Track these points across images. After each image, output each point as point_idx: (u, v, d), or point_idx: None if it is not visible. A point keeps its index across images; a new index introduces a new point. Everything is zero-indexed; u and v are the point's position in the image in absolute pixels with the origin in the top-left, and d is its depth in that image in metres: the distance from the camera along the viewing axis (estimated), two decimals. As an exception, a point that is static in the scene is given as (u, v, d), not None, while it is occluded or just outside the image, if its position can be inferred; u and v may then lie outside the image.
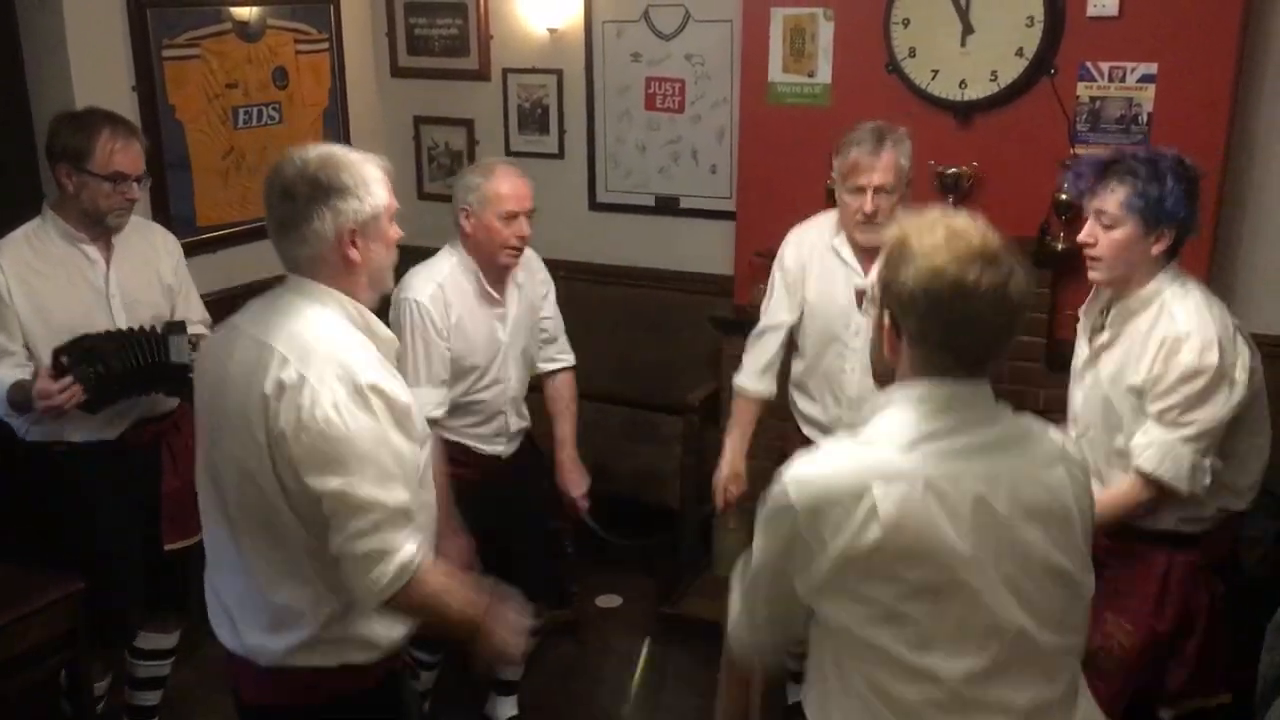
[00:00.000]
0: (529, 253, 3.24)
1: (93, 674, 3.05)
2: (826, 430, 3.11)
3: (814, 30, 3.99)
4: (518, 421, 3.33)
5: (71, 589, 2.84)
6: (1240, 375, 2.40)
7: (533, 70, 4.68)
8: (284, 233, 2.04)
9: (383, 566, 1.93)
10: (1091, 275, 2.56)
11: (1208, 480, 2.46)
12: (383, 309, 2.16)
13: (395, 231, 2.14)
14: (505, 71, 4.73)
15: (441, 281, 3.08)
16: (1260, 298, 3.75)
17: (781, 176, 4.11)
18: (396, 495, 1.95)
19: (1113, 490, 2.50)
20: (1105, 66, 3.63)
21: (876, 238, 2.86)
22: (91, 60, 3.73)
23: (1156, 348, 2.40)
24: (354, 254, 2.03)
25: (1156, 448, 2.41)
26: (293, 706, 2.14)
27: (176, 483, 3.12)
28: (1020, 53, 3.69)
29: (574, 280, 4.30)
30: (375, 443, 1.93)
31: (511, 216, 3.06)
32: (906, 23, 3.82)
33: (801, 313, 3.22)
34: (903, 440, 1.61)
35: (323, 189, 2.00)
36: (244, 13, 4.24)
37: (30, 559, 2.93)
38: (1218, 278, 3.74)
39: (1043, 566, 1.62)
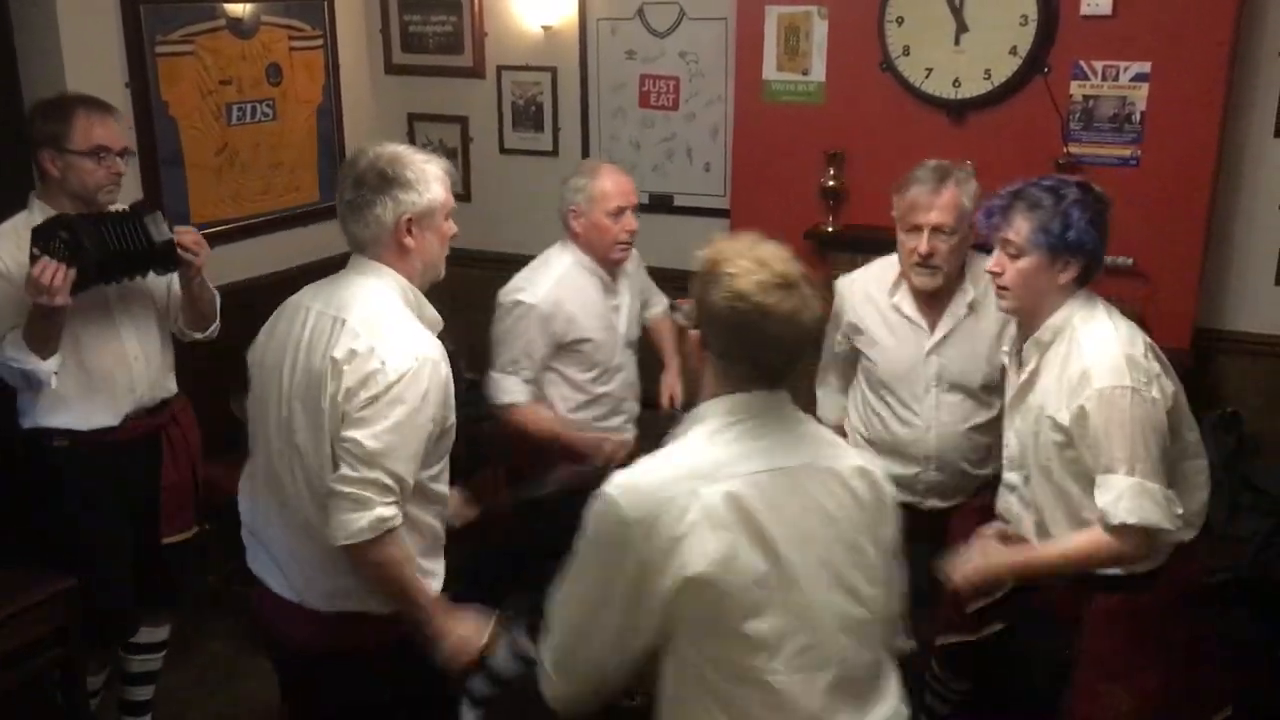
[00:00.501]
0: None
1: (86, 670, 3.05)
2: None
3: (808, 28, 4.00)
4: (635, 407, 3.43)
5: (63, 586, 2.84)
6: (1155, 393, 2.31)
7: (527, 67, 4.68)
8: (352, 215, 2.30)
9: (361, 513, 2.12)
10: (1000, 305, 2.57)
11: (1179, 508, 2.35)
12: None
13: (450, 227, 2.37)
14: (500, 69, 4.73)
15: (558, 279, 3.20)
16: (1253, 297, 3.76)
17: (776, 174, 4.12)
18: (405, 467, 2.16)
19: (1081, 543, 2.36)
20: (1099, 65, 3.64)
21: (933, 282, 2.88)
22: (85, 57, 3.72)
23: (1070, 387, 2.33)
24: (409, 241, 2.28)
25: (1128, 497, 2.27)
26: (341, 651, 2.27)
27: (175, 476, 3.12)
28: (1014, 51, 3.69)
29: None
30: (411, 414, 2.15)
31: (619, 212, 3.19)
32: (900, 21, 3.83)
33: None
34: (715, 448, 1.72)
35: (388, 180, 2.25)
36: (238, 9, 4.24)
37: (25, 558, 2.93)
38: (1210, 277, 3.75)
39: (837, 573, 1.73)
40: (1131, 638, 2.42)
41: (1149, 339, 2.42)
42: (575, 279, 3.23)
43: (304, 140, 4.63)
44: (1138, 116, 3.62)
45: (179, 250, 2.84)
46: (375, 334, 2.17)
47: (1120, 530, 2.27)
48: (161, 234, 2.81)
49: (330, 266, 5.25)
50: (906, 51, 3.85)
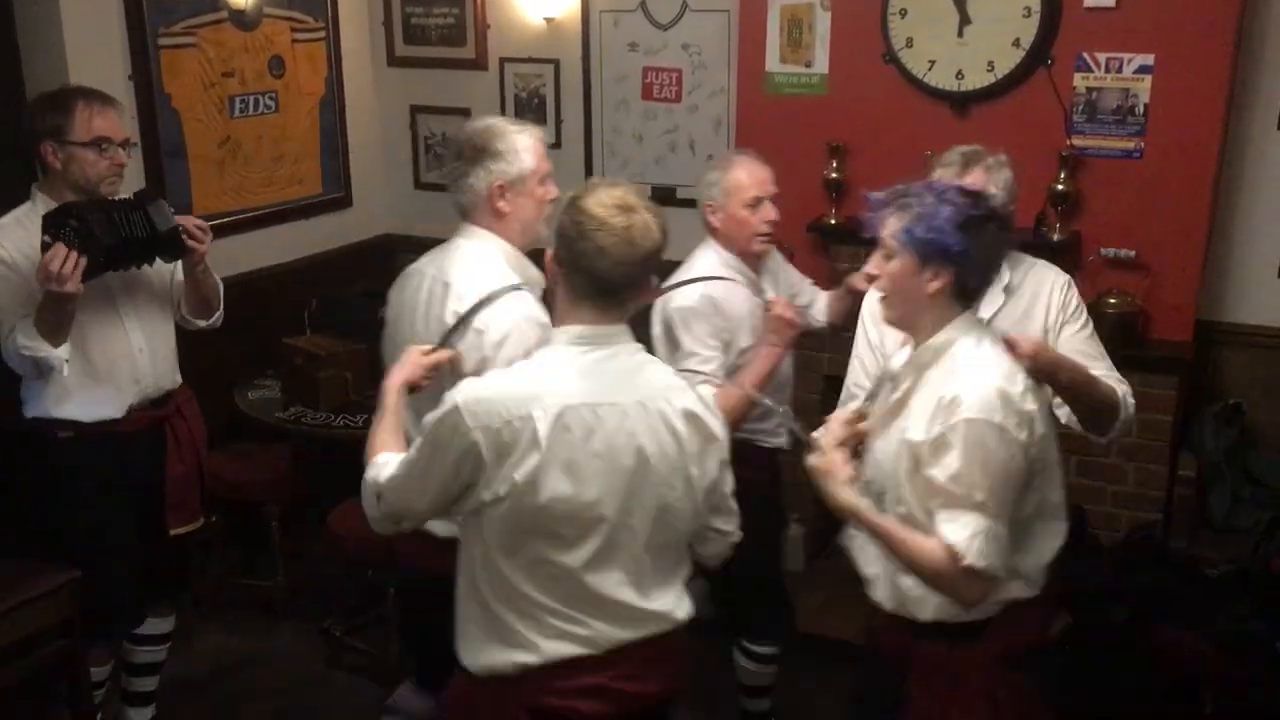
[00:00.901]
0: None
1: (89, 662, 3.06)
2: None
3: (811, 20, 3.99)
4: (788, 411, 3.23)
5: (66, 579, 2.85)
6: (1024, 437, 2.08)
7: (530, 60, 4.67)
8: (453, 184, 2.52)
9: None
10: (883, 315, 2.33)
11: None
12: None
13: (547, 191, 2.53)
14: (502, 61, 4.73)
15: (706, 285, 2.99)
16: (1255, 290, 3.76)
17: (778, 166, 4.08)
18: None
19: (928, 554, 2.05)
20: (1102, 57, 3.63)
21: None
22: (87, 49, 3.72)
23: (936, 410, 2.11)
24: (503, 205, 2.49)
25: (983, 539, 2.02)
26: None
27: (180, 468, 3.13)
28: (1017, 43, 3.69)
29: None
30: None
31: (756, 203, 3.06)
32: (904, 13, 3.82)
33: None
34: (562, 368, 1.98)
35: (480, 151, 2.47)
36: (240, 1, 4.24)
37: (29, 550, 2.93)
38: (1212, 269, 3.75)
39: (641, 501, 1.99)
40: (954, 691, 2.22)
41: (1032, 383, 2.18)
42: (722, 288, 3.01)
43: (306, 132, 4.63)
44: (1141, 109, 3.61)
45: (184, 238, 2.85)
46: (475, 299, 2.36)
47: (968, 572, 2.02)
48: (167, 221, 2.81)
49: (333, 258, 5.31)
50: (909, 43, 3.84)
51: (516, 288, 2.41)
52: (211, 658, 3.84)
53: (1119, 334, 3.64)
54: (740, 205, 3.05)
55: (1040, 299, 2.65)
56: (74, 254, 2.62)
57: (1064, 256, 3.73)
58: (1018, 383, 2.10)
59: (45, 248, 2.63)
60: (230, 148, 4.30)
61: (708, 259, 3.09)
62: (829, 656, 3.46)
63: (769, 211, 3.08)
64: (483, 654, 2.04)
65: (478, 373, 2.27)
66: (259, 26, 4.33)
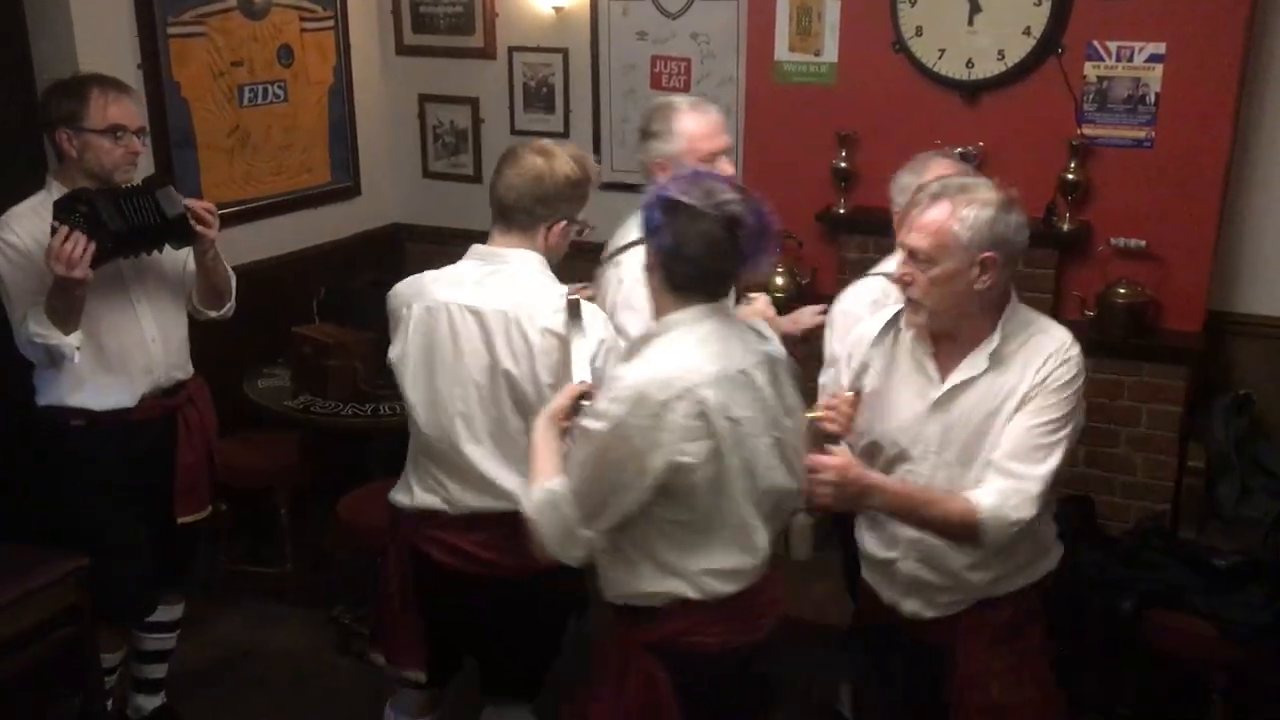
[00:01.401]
0: None
1: (99, 649, 3.07)
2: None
3: (820, 9, 3.98)
4: None
5: (75, 565, 2.86)
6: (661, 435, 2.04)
7: (538, 49, 4.67)
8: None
9: None
10: None
11: None
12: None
13: (722, 168, 2.63)
14: (511, 50, 4.72)
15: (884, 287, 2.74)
16: (1266, 280, 3.75)
17: (788, 156, 4.11)
18: None
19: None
20: (1113, 46, 3.62)
21: (915, 319, 2.26)
22: (97, 38, 3.72)
23: None
24: (662, 177, 2.51)
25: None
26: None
27: (191, 457, 3.13)
28: (1028, 32, 3.68)
29: (581, 260, 4.29)
30: None
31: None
32: (914, 1, 3.81)
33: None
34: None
35: (642, 131, 2.77)
36: (249, -10, 4.24)
37: (39, 537, 2.94)
38: (1223, 259, 3.74)
39: None
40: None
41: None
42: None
43: (315, 122, 4.63)
44: (1152, 98, 3.60)
45: (192, 223, 2.85)
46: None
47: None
48: (175, 207, 2.82)
49: (342, 247, 5.31)
50: (919, 32, 3.83)
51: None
52: (220, 645, 3.86)
53: (1129, 324, 3.64)
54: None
55: (1027, 371, 2.20)
56: (83, 239, 2.63)
57: (1074, 246, 3.73)
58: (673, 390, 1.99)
59: (55, 233, 2.64)
60: (239, 137, 4.30)
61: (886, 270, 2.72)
62: (837, 645, 3.46)
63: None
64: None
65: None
66: (268, 15, 4.33)
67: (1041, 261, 3.70)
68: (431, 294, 2.47)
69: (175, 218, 2.81)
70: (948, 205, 2.15)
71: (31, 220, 2.83)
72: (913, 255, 2.19)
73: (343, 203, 4.80)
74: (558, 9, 4.56)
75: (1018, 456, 2.16)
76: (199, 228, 2.87)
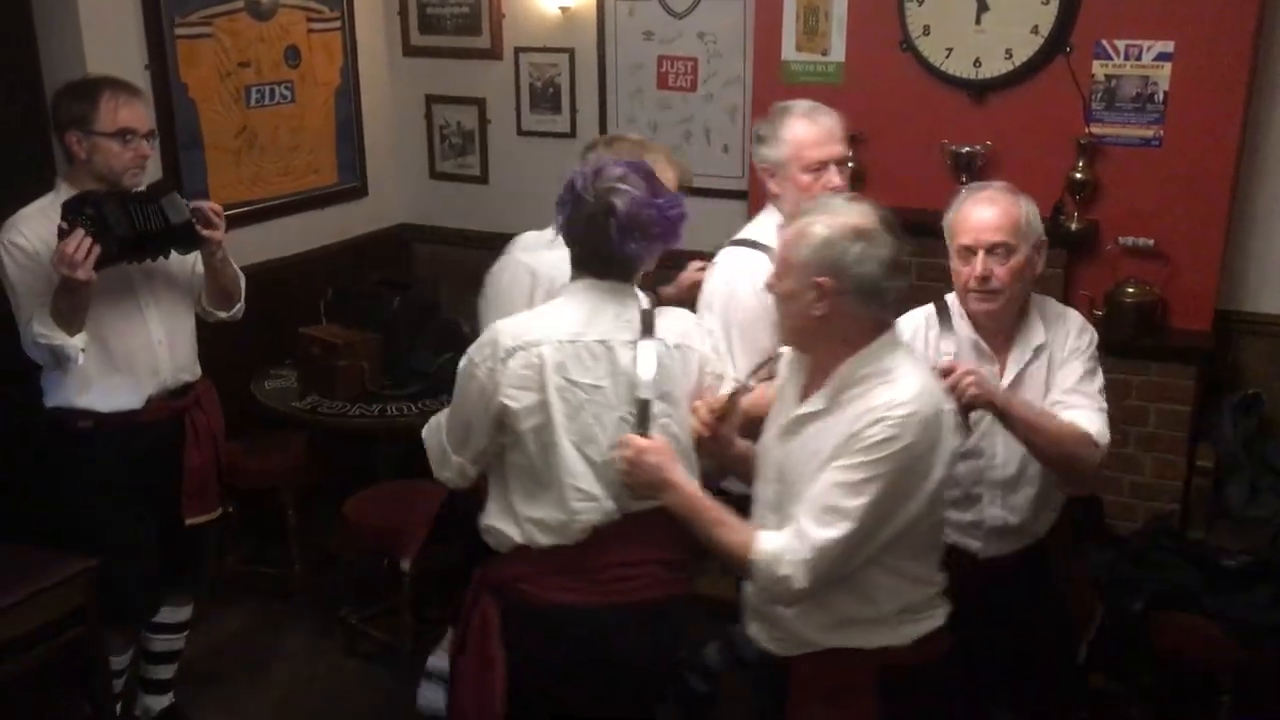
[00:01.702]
0: None
1: (106, 650, 3.07)
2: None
3: (827, 8, 3.97)
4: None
5: (83, 566, 2.87)
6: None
7: (545, 49, 4.67)
8: None
9: None
10: None
11: None
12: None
13: (829, 180, 2.66)
14: (517, 50, 4.72)
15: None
16: (1275, 279, 3.73)
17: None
18: None
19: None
20: (1121, 44, 3.61)
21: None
22: (104, 39, 3.73)
23: None
24: (774, 187, 2.73)
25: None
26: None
27: (199, 459, 3.13)
28: (1036, 30, 3.66)
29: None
30: None
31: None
32: (921, 0, 3.80)
33: None
34: None
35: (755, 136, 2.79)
36: (256, -9, 4.24)
37: (46, 538, 2.95)
38: (1232, 258, 3.72)
39: None
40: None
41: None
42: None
43: (322, 122, 4.63)
44: (1160, 96, 3.58)
45: (199, 228, 2.86)
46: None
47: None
48: (180, 214, 2.82)
49: (349, 248, 5.31)
50: (927, 31, 3.82)
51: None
52: (227, 645, 3.86)
53: (1137, 323, 3.63)
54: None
55: (854, 423, 2.04)
56: (88, 240, 2.63)
57: (1082, 245, 3.72)
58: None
59: (62, 234, 2.65)
60: (246, 138, 4.31)
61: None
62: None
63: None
64: None
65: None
66: (275, 16, 4.34)
67: (1049, 261, 3.61)
68: None
69: (180, 224, 2.82)
70: (800, 222, 2.08)
71: (39, 222, 2.84)
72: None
73: (349, 203, 4.80)
74: (564, 9, 4.56)
75: (809, 512, 1.97)
76: (205, 231, 2.87)
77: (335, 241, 4.74)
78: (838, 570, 1.98)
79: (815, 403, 2.06)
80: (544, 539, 2.23)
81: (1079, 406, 2.39)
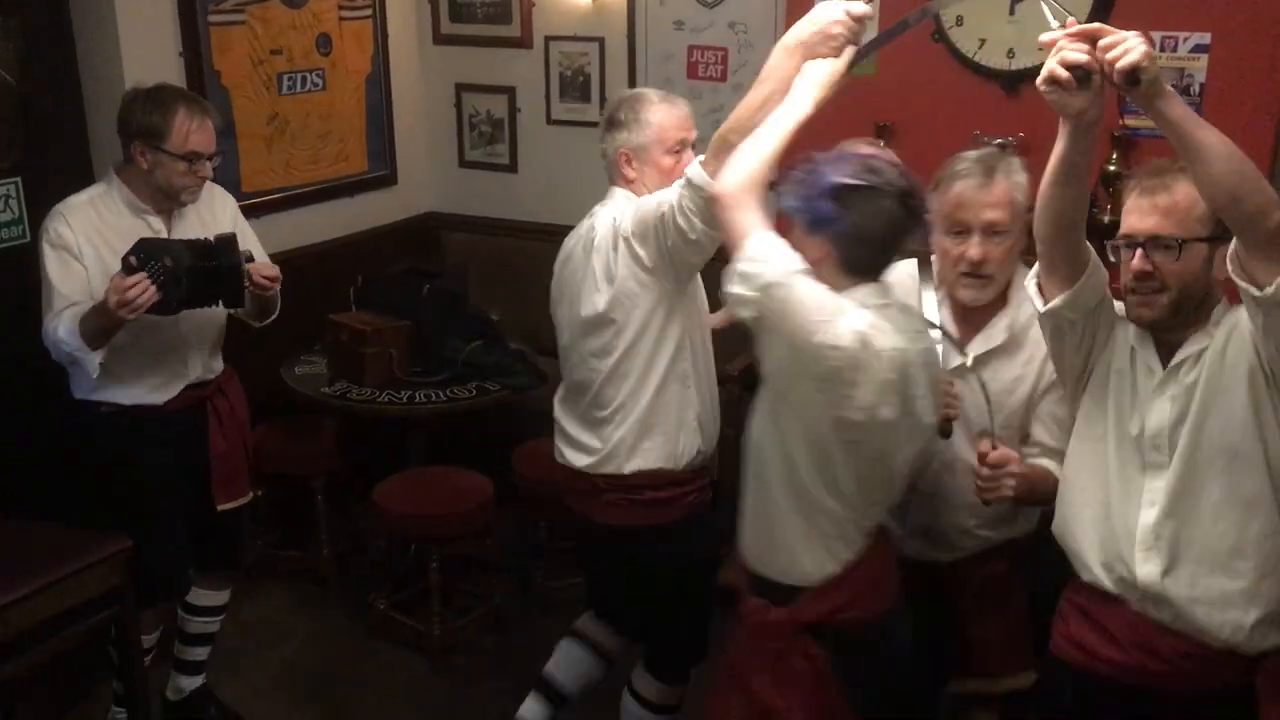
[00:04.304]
0: None
1: (140, 628, 3.11)
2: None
3: (860, -2, 3.94)
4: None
5: (120, 547, 2.89)
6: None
7: (575, 38, 4.66)
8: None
9: None
10: None
11: None
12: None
13: (687, 160, 2.63)
14: (547, 39, 4.72)
15: None
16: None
17: (825, 145, 4.05)
18: None
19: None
20: (1157, 36, 3.57)
21: (983, 296, 2.44)
22: (139, 26, 3.76)
23: None
24: (630, 171, 2.73)
25: None
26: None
27: (224, 446, 3.16)
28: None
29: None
30: None
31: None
32: (954, -9, 3.77)
33: None
34: None
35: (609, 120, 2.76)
36: (289, -21, 4.26)
37: (79, 518, 2.98)
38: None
39: None
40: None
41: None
42: None
43: (353, 110, 4.65)
44: (1196, 88, 3.55)
45: (249, 288, 2.88)
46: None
47: None
48: (236, 274, 2.81)
49: (378, 236, 5.32)
50: (960, 22, 3.79)
51: None
52: (258, 629, 3.90)
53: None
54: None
55: (1041, 349, 2.33)
56: (152, 290, 2.64)
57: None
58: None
59: (128, 268, 2.65)
60: (278, 125, 4.33)
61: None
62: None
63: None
64: None
65: None
66: (307, 4, 4.35)
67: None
68: None
69: (235, 284, 2.83)
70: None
71: (87, 215, 2.85)
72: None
73: (379, 191, 4.82)
74: (595, -2, 4.56)
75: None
76: (258, 291, 2.92)
77: (365, 229, 4.76)
78: None
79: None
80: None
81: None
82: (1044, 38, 2.02)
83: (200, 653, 3.39)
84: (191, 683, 3.40)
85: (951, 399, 2.32)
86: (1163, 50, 3.57)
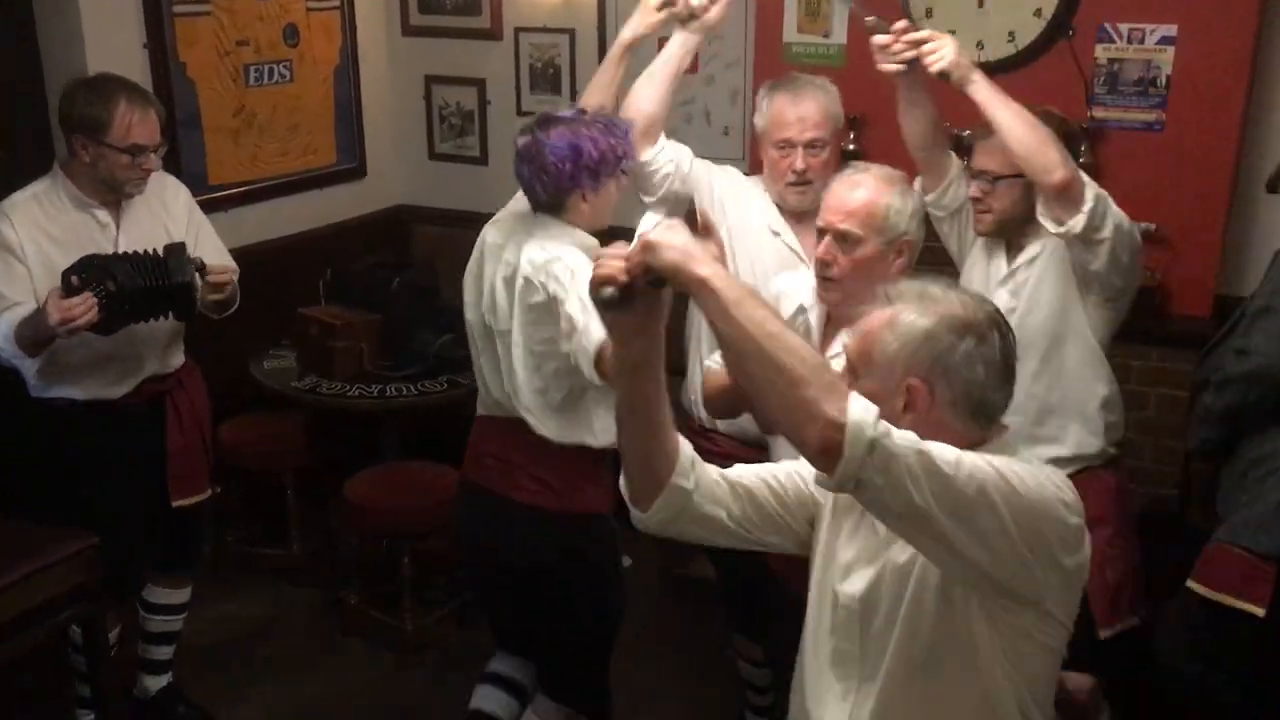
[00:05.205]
0: None
1: (107, 629, 3.08)
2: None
3: (829, -10, 3.95)
4: None
5: (85, 544, 2.86)
6: None
7: (545, 29, 4.64)
8: None
9: None
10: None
11: None
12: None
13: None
14: (517, 30, 4.69)
15: None
16: (1277, 263, 3.72)
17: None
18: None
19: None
20: (1124, 28, 3.59)
21: (806, 200, 2.78)
22: (103, 17, 3.71)
23: None
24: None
25: None
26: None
27: (182, 441, 3.12)
28: (1038, 13, 3.65)
29: (585, 242, 4.28)
30: None
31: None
32: (923, -18, 3.78)
33: None
34: None
35: None
36: (255, -31, 4.21)
37: (37, 513, 2.95)
38: (1233, 244, 3.71)
39: None
40: None
41: None
42: None
43: (321, 102, 4.61)
44: (1163, 80, 3.57)
45: (198, 298, 2.86)
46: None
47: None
48: (184, 277, 2.79)
49: (348, 229, 5.28)
50: (929, 13, 3.80)
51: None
52: (227, 625, 3.87)
53: (1138, 308, 3.61)
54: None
55: None
56: (95, 308, 2.61)
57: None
58: None
59: (69, 288, 2.61)
60: (245, 117, 4.29)
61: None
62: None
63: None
64: None
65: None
66: (274, -6, 4.32)
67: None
68: None
69: (184, 296, 2.81)
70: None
71: (32, 212, 2.80)
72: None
73: (348, 184, 4.79)
74: (565, -11, 4.54)
75: None
76: (211, 295, 2.90)
77: (334, 222, 4.72)
78: None
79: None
80: None
81: None
82: (877, 40, 2.72)
83: (164, 651, 3.35)
84: (158, 682, 3.37)
85: None
86: (1130, 42, 3.59)
